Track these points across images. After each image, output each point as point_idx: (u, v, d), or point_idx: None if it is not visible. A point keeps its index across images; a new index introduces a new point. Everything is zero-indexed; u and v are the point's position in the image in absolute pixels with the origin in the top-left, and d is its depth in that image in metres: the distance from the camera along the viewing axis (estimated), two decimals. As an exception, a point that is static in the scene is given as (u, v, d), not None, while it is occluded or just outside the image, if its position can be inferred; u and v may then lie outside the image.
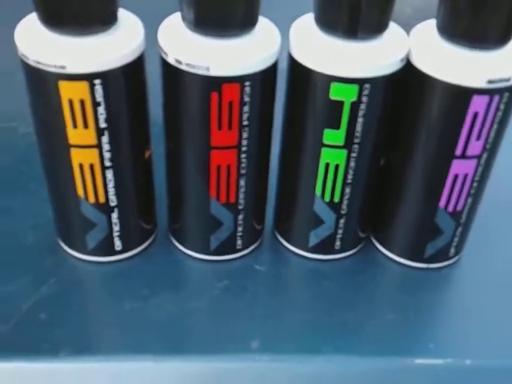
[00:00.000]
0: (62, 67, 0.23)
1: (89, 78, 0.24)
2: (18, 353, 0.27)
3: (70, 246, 0.31)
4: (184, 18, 0.24)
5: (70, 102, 0.24)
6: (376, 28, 0.25)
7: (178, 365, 0.27)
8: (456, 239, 0.30)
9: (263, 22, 0.26)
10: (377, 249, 0.32)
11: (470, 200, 0.29)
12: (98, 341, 0.28)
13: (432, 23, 0.26)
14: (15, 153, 0.38)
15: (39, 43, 0.24)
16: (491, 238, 0.33)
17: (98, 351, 0.27)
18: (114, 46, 0.24)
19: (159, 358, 0.27)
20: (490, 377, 0.27)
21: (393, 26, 0.26)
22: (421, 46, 0.26)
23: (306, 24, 0.26)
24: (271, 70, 0.25)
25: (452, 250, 0.31)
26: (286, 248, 0.32)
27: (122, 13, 0.25)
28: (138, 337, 0.28)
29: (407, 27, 0.27)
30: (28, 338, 0.27)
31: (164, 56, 0.25)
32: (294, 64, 0.26)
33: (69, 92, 0.24)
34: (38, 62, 0.23)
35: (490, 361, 0.28)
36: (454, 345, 0.28)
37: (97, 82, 0.24)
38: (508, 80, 0.25)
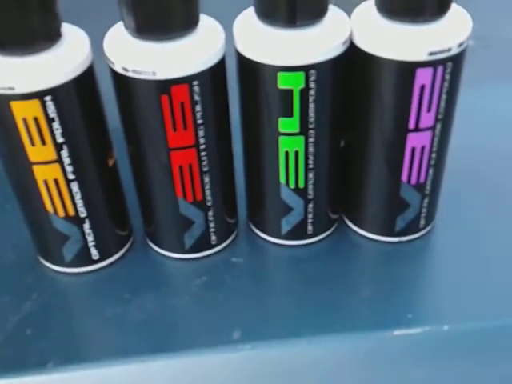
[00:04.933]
0: (11, 88, 0.24)
1: (39, 95, 0.24)
2: (6, 369, 0.27)
3: (48, 261, 0.31)
4: (126, 26, 0.25)
5: (25, 121, 0.25)
6: (315, 14, 0.25)
7: (164, 363, 0.28)
8: (424, 210, 0.31)
9: (205, 20, 0.26)
10: (350, 228, 0.33)
11: (431, 171, 0.29)
12: (84, 349, 0.29)
13: (372, 2, 0.27)
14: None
15: (-14, 67, 0.24)
16: (460, 206, 0.34)
17: (84, 359, 0.28)
18: (61, 61, 0.24)
19: (145, 359, 0.28)
20: (468, 340, 0.28)
21: (333, 10, 0.26)
22: (361, 26, 0.26)
23: (249, 17, 0.26)
24: (218, 67, 0.26)
25: (422, 222, 0.32)
26: (261, 238, 0.33)
27: (67, 27, 0.26)
28: (123, 340, 0.28)
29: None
30: (15, 353, 0.28)
31: (111, 65, 0.25)
32: (240, 58, 0.26)
33: (21, 111, 0.24)
34: (-13, 86, 0.24)
35: (466, 324, 0.28)
36: (432, 313, 0.29)
37: (47, 98, 0.24)
38: (449, 50, 0.25)
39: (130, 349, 0.28)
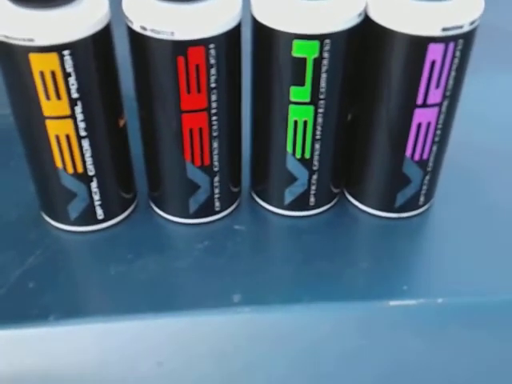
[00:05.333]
0: (31, 40, 0.24)
1: (58, 49, 0.24)
2: (9, 320, 0.28)
3: (53, 218, 0.31)
4: (146, -14, 0.25)
5: (42, 74, 0.25)
6: (332, -15, 0.25)
7: (165, 321, 0.28)
8: (424, 187, 0.32)
9: (224, -14, 0.26)
10: (350, 202, 0.34)
11: (435, 148, 0.30)
12: (87, 304, 0.29)
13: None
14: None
15: (7, 18, 0.24)
16: (459, 184, 0.34)
17: (86, 313, 0.28)
18: (81, 17, 0.25)
19: (146, 316, 0.28)
20: (461, 313, 0.29)
21: (350, -18, 0.27)
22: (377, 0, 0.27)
23: (266, -15, 0.27)
24: (235, 32, 0.26)
25: (421, 199, 0.32)
26: (263, 208, 0.33)
27: (86, -16, 0.26)
28: (125, 298, 0.29)
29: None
30: (18, 305, 0.28)
31: (129, 24, 0.26)
32: (256, 25, 0.27)
33: (39, 64, 0.25)
34: (7, 37, 0.24)
35: (459, 298, 0.29)
36: (426, 286, 0.30)
37: (66, 52, 0.24)
38: (461, 27, 0.26)
39: (132, 306, 0.29)
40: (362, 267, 0.31)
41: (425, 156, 0.30)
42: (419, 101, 0.28)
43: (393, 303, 0.29)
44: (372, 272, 0.30)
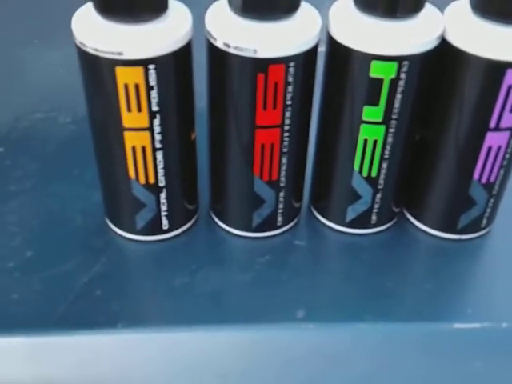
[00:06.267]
0: (120, 53, 0.24)
1: (144, 63, 0.25)
2: (78, 327, 0.28)
3: (119, 227, 0.32)
4: (230, 3, 0.26)
5: (126, 87, 0.26)
6: (414, 7, 0.26)
7: (228, 334, 0.29)
8: (488, 210, 0.32)
9: (304, 5, 0.27)
10: (410, 222, 0.34)
11: (502, 171, 0.30)
12: (152, 313, 0.29)
13: (465, 2, 0.27)
14: (57, 141, 0.39)
15: (96, 31, 0.25)
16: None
17: (152, 323, 0.29)
18: (166, 33, 0.25)
19: (210, 328, 0.28)
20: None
21: (428, 6, 0.27)
22: (455, 23, 0.27)
23: (345, 5, 0.27)
24: (313, 51, 0.27)
25: (484, 221, 0.32)
26: (323, 224, 0.34)
27: (171, 1, 0.26)
28: (189, 308, 0.29)
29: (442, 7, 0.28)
30: (86, 312, 0.29)
31: (212, 41, 0.26)
32: (333, 44, 0.27)
33: (125, 77, 0.25)
34: (96, 50, 0.25)
35: (525, 323, 0.29)
36: (491, 309, 0.30)
37: (151, 66, 0.25)
38: (540, 53, 0.26)
39: (196, 318, 0.29)
40: (425, 288, 0.30)
41: (492, 179, 0.30)
42: (492, 124, 0.28)
43: (458, 326, 0.29)
44: (435, 293, 0.30)
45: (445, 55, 0.27)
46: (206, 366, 0.28)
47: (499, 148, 0.29)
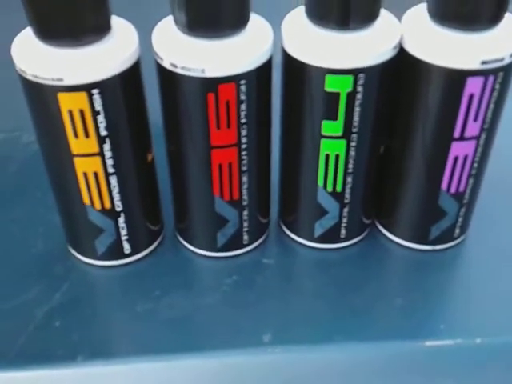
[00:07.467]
0: (60, 79, 0.23)
1: (87, 88, 0.24)
2: (36, 361, 0.27)
3: (80, 253, 0.31)
4: (176, 22, 0.24)
5: (70, 113, 0.24)
6: (367, 17, 0.25)
7: (192, 362, 0.28)
8: (460, 220, 0.31)
9: (255, 19, 0.26)
10: (382, 234, 0.33)
11: (471, 180, 0.29)
12: (113, 344, 0.28)
13: (423, 7, 0.26)
14: (19, 163, 0.38)
15: (36, 57, 0.24)
16: (495, 216, 0.33)
17: (114, 354, 0.28)
18: (110, 55, 0.24)
19: (174, 357, 0.27)
20: (501, 354, 0.28)
21: (384, 14, 0.26)
22: (413, 31, 0.26)
23: (298, 17, 0.26)
24: (266, 67, 0.26)
25: (457, 231, 0.31)
26: (293, 240, 0.33)
27: (115, 20, 0.25)
28: (153, 337, 0.28)
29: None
30: (45, 345, 0.28)
31: (159, 61, 0.25)
32: (287, 58, 0.26)
33: (68, 103, 0.24)
34: (36, 76, 0.24)
35: (499, 338, 0.28)
36: (464, 324, 0.29)
37: (95, 91, 0.24)
38: (502, 60, 0.25)
39: (160, 346, 0.28)
40: (396, 304, 0.30)
41: (461, 189, 0.29)
42: (456, 134, 0.27)
43: (429, 344, 0.28)
44: (407, 309, 0.29)
45: (403, 65, 0.26)
46: (170, 396, 0.27)
47: (466, 157, 0.28)
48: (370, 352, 0.28)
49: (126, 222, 0.29)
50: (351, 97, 0.26)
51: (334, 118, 0.26)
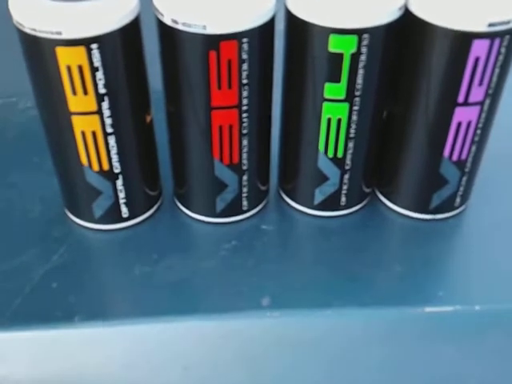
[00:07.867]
0: (58, 33, 0.23)
1: (86, 42, 0.23)
2: (34, 321, 0.27)
3: (77, 216, 0.31)
4: (177, -24, 0.24)
5: (68, 69, 0.24)
6: (373, -24, 0.24)
7: (190, 325, 0.27)
8: (461, 189, 0.30)
9: (258, -23, 0.25)
10: (382, 203, 0.32)
11: (474, 148, 0.29)
12: (111, 305, 0.28)
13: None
14: (17, 128, 0.38)
15: (34, 10, 0.23)
16: (496, 185, 0.33)
17: (111, 316, 0.27)
18: (110, 9, 0.24)
19: (171, 319, 0.27)
20: (499, 321, 0.28)
21: (390, -26, 0.25)
22: (419, -8, 0.25)
23: (302, -24, 0.26)
24: (268, 26, 0.25)
25: (458, 200, 0.31)
26: (292, 207, 0.32)
27: (115, -25, 0.25)
28: (150, 300, 0.28)
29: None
30: (42, 306, 0.28)
31: (160, 17, 0.25)
32: (291, 18, 0.26)
33: (66, 58, 0.24)
34: (34, 30, 0.23)
35: (498, 305, 0.28)
36: (463, 292, 0.29)
37: (94, 46, 0.24)
38: (508, 23, 0.24)
39: (157, 309, 0.28)
40: (395, 271, 0.29)
41: (463, 156, 0.29)
42: (460, 99, 0.26)
43: (428, 310, 0.28)
44: (406, 276, 0.29)
45: (408, 26, 0.26)
46: (168, 359, 0.27)
47: (469, 123, 0.28)
48: (368, 317, 0.28)
49: (124, 184, 0.29)
50: (355, 58, 0.25)
51: (337, 80, 0.26)
